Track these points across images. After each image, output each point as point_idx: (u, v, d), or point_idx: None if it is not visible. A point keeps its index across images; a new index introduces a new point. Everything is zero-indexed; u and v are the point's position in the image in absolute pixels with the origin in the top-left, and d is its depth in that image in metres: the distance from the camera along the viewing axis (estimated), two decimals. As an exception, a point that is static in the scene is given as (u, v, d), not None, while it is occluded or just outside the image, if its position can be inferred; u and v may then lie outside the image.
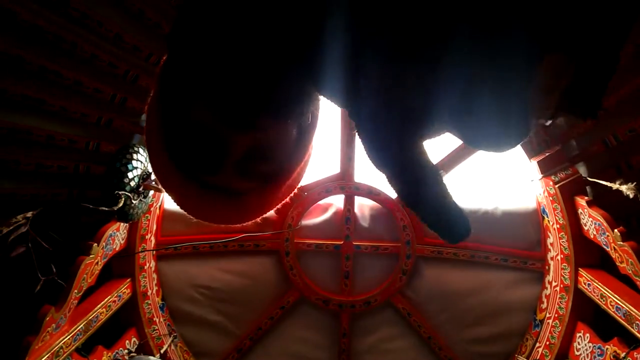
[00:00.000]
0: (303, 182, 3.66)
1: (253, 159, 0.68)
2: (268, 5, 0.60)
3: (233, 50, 0.60)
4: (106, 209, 2.14)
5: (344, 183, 3.56)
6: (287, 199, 0.83)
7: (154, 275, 3.46)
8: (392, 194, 3.56)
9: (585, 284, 2.94)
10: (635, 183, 2.38)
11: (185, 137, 0.66)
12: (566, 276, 3.09)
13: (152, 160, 0.74)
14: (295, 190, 0.83)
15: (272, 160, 0.71)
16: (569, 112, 0.76)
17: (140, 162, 2.41)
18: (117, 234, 3.02)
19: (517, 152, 3.19)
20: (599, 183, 2.65)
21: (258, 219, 0.80)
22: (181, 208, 0.77)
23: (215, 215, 0.77)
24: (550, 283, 3.27)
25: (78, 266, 2.63)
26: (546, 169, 3.04)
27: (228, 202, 0.74)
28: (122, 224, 3.03)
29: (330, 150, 3.59)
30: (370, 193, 3.59)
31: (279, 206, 0.81)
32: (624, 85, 2.42)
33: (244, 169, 0.68)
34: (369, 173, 3.63)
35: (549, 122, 0.77)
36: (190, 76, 0.63)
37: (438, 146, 3.56)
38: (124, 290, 3.15)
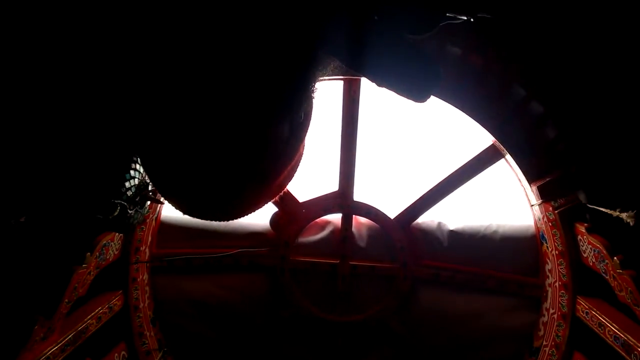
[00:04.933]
0: (303, 198, 3.58)
1: (246, 157, 0.68)
2: None
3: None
4: (101, 217, 2.11)
5: (343, 201, 3.54)
6: (277, 197, 0.82)
7: (147, 288, 3.42)
8: (391, 214, 3.54)
9: (583, 312, 2.91)
10: (635, 211, 2.36)
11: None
12: (564, 303, 3.06)
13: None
14: (286, 189, 0.82)
15: (265, 156, 0.71)
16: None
17: (139, 171, 2.39)
18: (111, 244, 2.99)
19: (518, 176, 3.18)
20: (599, 210, 2.63)
21: (246, 216, 0.79)
22: (170, 204, 0.76)
23: (208, 210, 0.76)
24: (547, 310, 3.23)
25: (70, 275, 2.59)
26: (546, 194, 3.03)
27: (220, 198, 0.73)
28: (116, 234, 3.00)
29: (329, 167, 3.58)
30: (369, 213, 3.56)
31: (267, 204, 0.80)
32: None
33: (237, 166, 0.68)
34: (368, 191, 3.61)
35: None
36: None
37: (436, 171, 3.56)
38: (115, 302, 3.10)
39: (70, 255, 2.61)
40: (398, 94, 0.69)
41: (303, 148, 0.78)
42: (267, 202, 0.80)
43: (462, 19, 0.71)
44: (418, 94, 0.69)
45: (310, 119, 0.76)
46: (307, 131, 0.76)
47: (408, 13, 0.64)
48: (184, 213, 0.76)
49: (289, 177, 0.80)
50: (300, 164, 0.81)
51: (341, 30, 0.63)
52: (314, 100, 0.75)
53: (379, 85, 0.68)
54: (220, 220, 0.78)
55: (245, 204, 0.76)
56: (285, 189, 0.83)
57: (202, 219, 0.77)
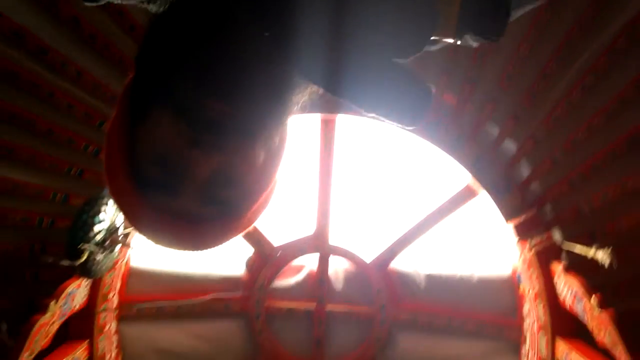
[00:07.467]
0: (278, 242, 3.50)
1: (217, 184, 0.65)
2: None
3: (205, 66, 0.59)
4: (68, 263, 2.02)
5: (319, 243, 3.49)
6: (251, 228, 0.78)
7: (114, 338, 3.25)
8: (367, 256, 3.50)
9: (563, 354, 2.87)
10: (610, 248, 2.35)
11: (148, 156, 0.64)
12: (543, 346, 3.02)
13: (111, 180, 0.69)
14: (259, 218, 0.79)
15: (237, 185, 0.68)
16: (473, 31, 0.74)
17: (109, 214, 2.31)
18: (77, 292, 2.85)
19: (495, 215, 3.17)
20: (575, 249, 2.63)
21: (218, 246, 0.75)
22: (136, 230, 0.72)
23: (173, 239, 0.72)
24: (527, 353, 3.18)
25: (32, 326, 2.44)
26: (522, 232, 3.03)
27: (187, 227, 0.69)
28: (84, 280, 2.87)
29: (305, 209, 3.54)
30: (345, 255, 3.51)
31: (241, 234, 0.76)
32: (597, 151, 2.46)
33: (207, 194, 0.65)
34: (344, 233, 3.58)
35: (457, 42, 0.75)
36: (158, 86, 0.62)
37: (411, 209, 3.56)
38: (80, 354, 2.93)
39: (32, 303, 2.48)
40: (388, 121, 0.67)
41: (278, 176, 0.76)
42: (240, 232, 0.76)
43: (448, 42, 0.71)
44: (410, 119, 0.67)
45: (285, 146, 0.74)
46: (282, 158, 0.74)
47: (391, 37, 0.63)
48: (153, 242, 0.72)
49: (263, 206, 0.77)
50: (274, 194, 0.79)
51: (320, 58, 0.62)
52: (288, 128, 0.74)
53: (367, 112, 0.66)
54: (188, 250, 0.74)
55: (218, 235, 0.73)
56: (255, 223, 0.80)
57: (170, 247, 0.73)
